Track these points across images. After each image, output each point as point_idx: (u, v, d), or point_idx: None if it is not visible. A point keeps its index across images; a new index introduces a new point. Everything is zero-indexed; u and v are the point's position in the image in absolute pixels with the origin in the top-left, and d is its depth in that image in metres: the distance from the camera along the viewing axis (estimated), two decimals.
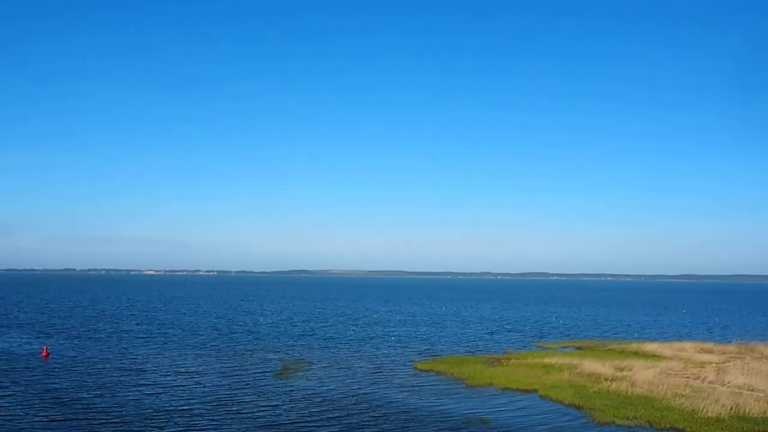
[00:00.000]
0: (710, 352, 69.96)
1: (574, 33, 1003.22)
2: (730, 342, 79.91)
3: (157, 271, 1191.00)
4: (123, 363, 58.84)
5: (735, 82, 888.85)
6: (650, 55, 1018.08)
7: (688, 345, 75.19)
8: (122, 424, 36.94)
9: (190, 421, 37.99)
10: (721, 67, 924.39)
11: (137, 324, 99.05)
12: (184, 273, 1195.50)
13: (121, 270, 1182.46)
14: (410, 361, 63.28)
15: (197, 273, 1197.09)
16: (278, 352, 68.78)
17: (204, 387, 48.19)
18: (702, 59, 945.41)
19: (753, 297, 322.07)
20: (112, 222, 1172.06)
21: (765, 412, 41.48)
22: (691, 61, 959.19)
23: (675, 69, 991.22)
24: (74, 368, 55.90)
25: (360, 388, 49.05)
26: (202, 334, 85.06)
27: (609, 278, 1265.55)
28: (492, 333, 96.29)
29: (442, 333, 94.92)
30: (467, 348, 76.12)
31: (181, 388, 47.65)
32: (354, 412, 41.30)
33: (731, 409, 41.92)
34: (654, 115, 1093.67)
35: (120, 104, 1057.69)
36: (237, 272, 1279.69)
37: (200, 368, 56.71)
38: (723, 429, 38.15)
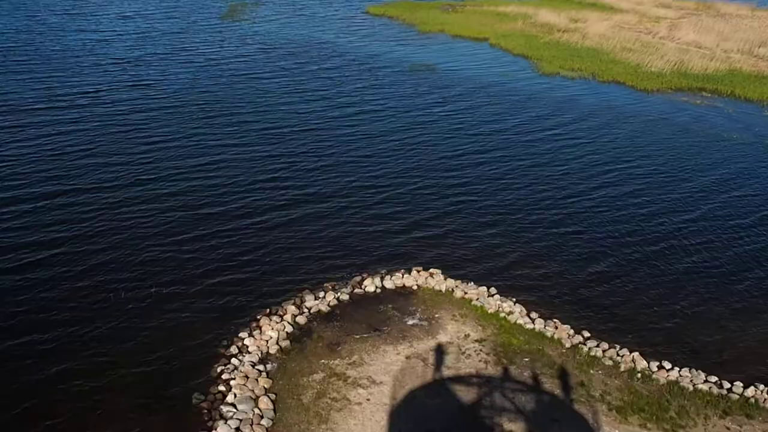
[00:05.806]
0: (668, 7, 69.23)
1: None
2: None
3: None
4: (70, 3, 53.89)
5: None
6: None
7: None
8: (62, 71, 35.78)
9: (140, 70, 37.12)
10: None
11: None
12: None
13: None
14: (364, 6, 61.25)
15: None
16: None
17: (152, 31, 46.35)
18: None
19: None
20: None
21: (706, 69, 42.61)
22: None
23: None
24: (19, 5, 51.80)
25: (310, 33, 47.94)
26: None
27: None
28: None
29: None
30: None
31: (121, 31, 45.71)
32: (306, 58, 40.78)
33: (675, 64, 42.89)
34: None
35: None
36: None
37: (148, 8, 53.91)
38: (662, 83, 39.39)
